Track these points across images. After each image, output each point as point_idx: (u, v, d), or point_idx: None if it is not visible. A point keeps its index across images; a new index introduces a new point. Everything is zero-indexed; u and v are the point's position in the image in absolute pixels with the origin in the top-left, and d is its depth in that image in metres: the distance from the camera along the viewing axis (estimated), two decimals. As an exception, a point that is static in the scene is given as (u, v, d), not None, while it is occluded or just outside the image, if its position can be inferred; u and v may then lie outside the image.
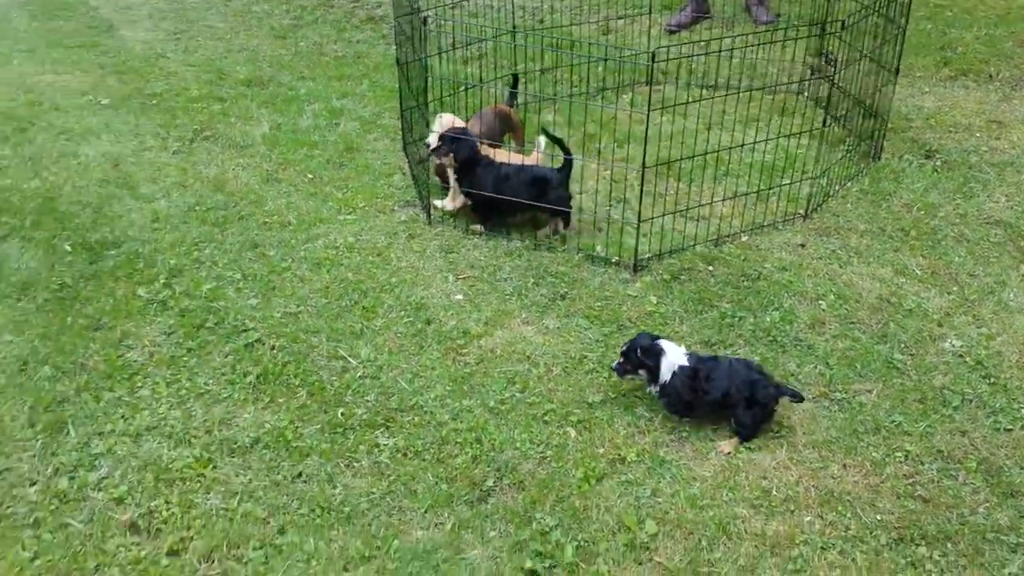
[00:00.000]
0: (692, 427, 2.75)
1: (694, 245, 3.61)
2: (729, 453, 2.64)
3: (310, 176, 4.17)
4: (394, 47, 4.91)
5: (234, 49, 5.87)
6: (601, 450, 2.66)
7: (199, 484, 2.50)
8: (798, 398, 2.76)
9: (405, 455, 2.64)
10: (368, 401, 2.82)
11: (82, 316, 3.13)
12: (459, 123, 3.78)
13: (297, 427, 2.71)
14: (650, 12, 5.45)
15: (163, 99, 4.99)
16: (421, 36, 3.56)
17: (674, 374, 2.71)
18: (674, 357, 2.73)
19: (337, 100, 5.02)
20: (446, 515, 2.45)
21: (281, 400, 2.81)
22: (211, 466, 2.56)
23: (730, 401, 2.68)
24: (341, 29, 6.29)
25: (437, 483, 2.54)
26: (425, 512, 2.46)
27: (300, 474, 2.56)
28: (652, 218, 3.59)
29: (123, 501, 2.44)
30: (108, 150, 4.35)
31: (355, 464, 2.60)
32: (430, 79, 3.81)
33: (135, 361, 2.94)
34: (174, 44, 5.94)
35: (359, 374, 2.93)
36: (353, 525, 2.41)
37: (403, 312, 3.23)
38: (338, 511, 2.44)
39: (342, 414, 2.76)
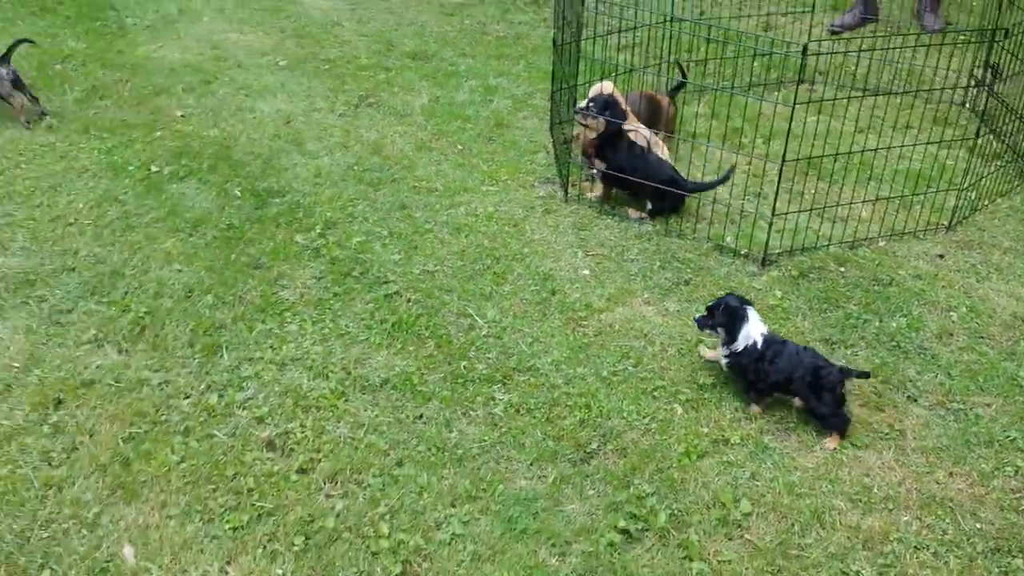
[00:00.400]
0: (799, 420, 2.79)
1: (828, 245, 3.61)
2: (835, 449, 2.68)
3: (460, 147, 4.39)
4: (553, 30, 5.07)
5: (404, 23, 6.17)
6: (705, 429, 2.74)
7: (331, 414, 2.75)
8: (864, 375, 2.76)
9: (518, 411, 2.81)
10: (489, 358, 3.01)
11: (244, 255, 3.45)
12: (618, 96, 3.88)
13: (423, 374, 2.92)
14: (813, 10, 5.38)
15: (335, 65, 5.33)
16: (578, 20, 3.70)
17: (747, 347, 2.75)
18: (754, 329, 2.77)
19: (494, 78, 5.22)
20: (549, 469, 2.61)
21: (411, 348, 3.03)
22: (344, 399, 2.80)
23: (793, 387, 2.71)
24: (505, 10, 6.50)
25: (544, 439, 2.70)
26: (531, 464, 2.62)
27: (421, 416, 2.77)
28: (787, 214, 3.61)
29: (263, 420, 2.71)
30: (281, 108, 4.70)
31: (471, 413, 2.79)
32: (584, 62, 3.94)
33: (287, 299, 3.23)
34: (350, 14, 6.29)
35: (484, 333, 3.12)
36: (464, 467, 2.60)
37: (531, 281, 3.40)
38: (451, 452, 2.64)
39: (464, 367, 2.96)
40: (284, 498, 2.46)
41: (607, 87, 3.91)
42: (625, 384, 2.90)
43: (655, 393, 2.87)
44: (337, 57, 5.44)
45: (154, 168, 3.97)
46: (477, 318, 3.19)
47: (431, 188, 4.00)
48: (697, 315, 2.94)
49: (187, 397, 2.77)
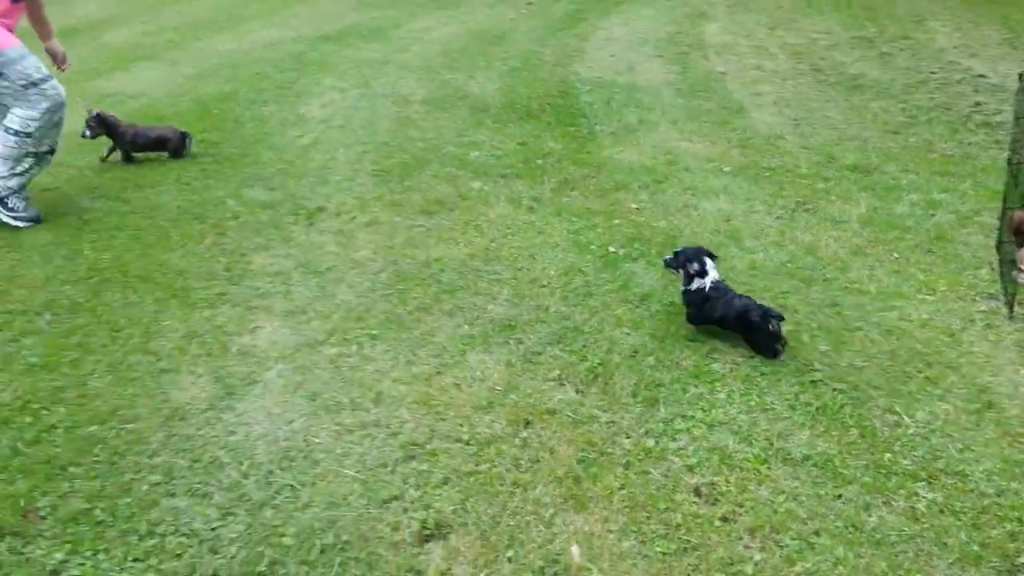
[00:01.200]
0: None
1: None
2: None
3: (896, 256, 4.46)
4: (1007, 152, 4.96)
5: (846, 138, 6.37)
6: None
7: (754, 476, 2.99)
8: (779, 317, 3.54)
9: (942, 511, 2.82)
10: (915, 455, 3.05)
11: (683, 328, 3.84)
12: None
13: (844, 458, 3.05)
14: None
15: (775, 173, 5.68)
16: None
17: (698, 288, 3.71)
18: (708, 277, 3.72)
19: (937, 193, 5.21)
20: (972, 572, 2.59)
21: (834, 433, 3.18)
22: (766, 465, 3.03)
23: (728, 324, 3.67)
24: (955, 131, 6.42)
25: (969, 542, 2.69)
26: (951, 563, 2.62)
27: (840, 495, 2.90)
28: None
29: (692, 469, 3.03)
30: (722, 208, 5.14)
31: (892, 503, 2.86)
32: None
33: (717, 371, 3.56)
34: (793, 128, 6.64)
35: (911, 431, 3.17)
36: (881, 550, 2.68)
37: (964, 390, 3.38)
38: (869, 535, 2.73)
39: (888, 459, 3.04)
40: (707, 539, 2.74)
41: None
42: (1066, 504, 2.78)
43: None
44: (777, 166, 5.79)
45: (611, 248, 4.58)
46: (904, 416, 3.25)
47: (863, 290, 4.13)
48: (667, 256, 3.91)
49: (628, 437, 3.19)
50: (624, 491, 2.94)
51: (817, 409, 3.30)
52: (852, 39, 9.48)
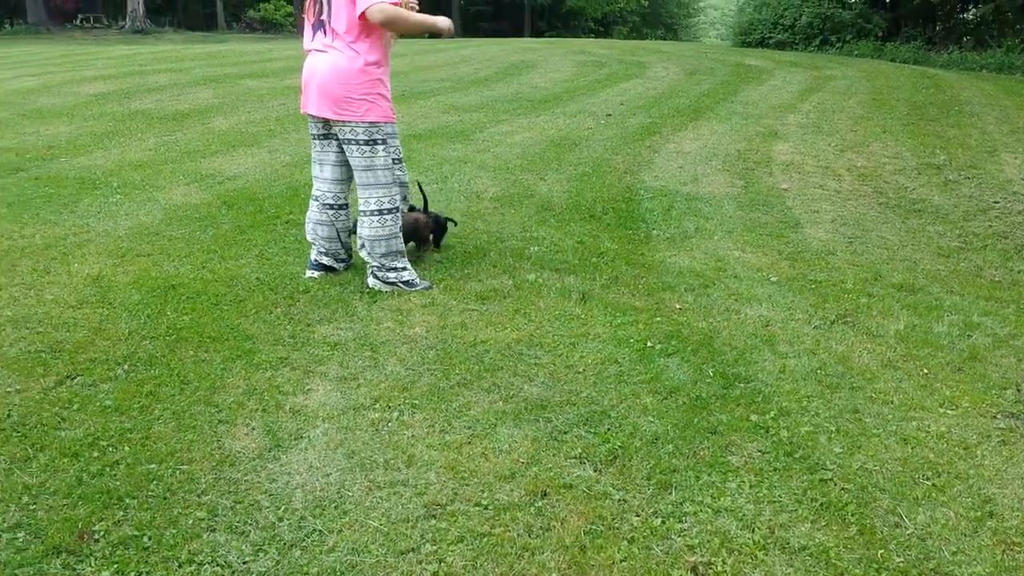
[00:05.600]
0: None
1: None
2: None
3: (926, 371, 4.60)
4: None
5: (896, 259, 6.54)
6: None
7: (750, 560, 3.15)
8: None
9: (929, 609, 2.94)
10: (908, 554, 3.17)
11: (704, 422, 4.05)
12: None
13: (840, 551, 3.19)
14: None
15: (820, 286, 5.89)
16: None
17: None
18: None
19: (978, 316, 5.33)
20: (948, 667, 2.70)
21: (834, 527, 3.33)
22: (763, 551, 3.19)
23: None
24: (1007, 258, 6.54)
25: (949, 639, 2.80)
26: (929, 657, 2.74)
27: (830, 585, 3.05)
28: None
29: (693, 549, 3.21)
30: (763, 314, 5.36)
31: (880, 597, 2.99)
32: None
33: (732, 463, 3.74)
34: (845, 246, 6.85)
35: (908, 532, 3.30)
36: (860, 638, 2.81)
37: (968, 499, 3.49)
38: (852, 623, 2.87)
39: (881, 555, 3.17)
40: (696, 612, 2.91)
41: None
42: (1049, 612, 2.87)
43: (1082, 629, 2.79)
44: (824, 279, 6.00)
45: (649, 344, 4.84)
46: (905, 518, 3.37)
47: (886, 400, 4.28)
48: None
49: (637, 515, 3.39)
50: (625, 563, 3.13)
51: (822, 505, 3.45)
52: (920, 165, 9.67)
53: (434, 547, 3.16)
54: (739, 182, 8.81)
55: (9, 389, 4.13)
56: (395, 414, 4.02)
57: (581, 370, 4.51)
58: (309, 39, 5.22)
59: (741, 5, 29.61)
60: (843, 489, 3.56)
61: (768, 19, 25.66)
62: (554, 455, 3.74)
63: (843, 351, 4.85)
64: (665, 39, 51.80)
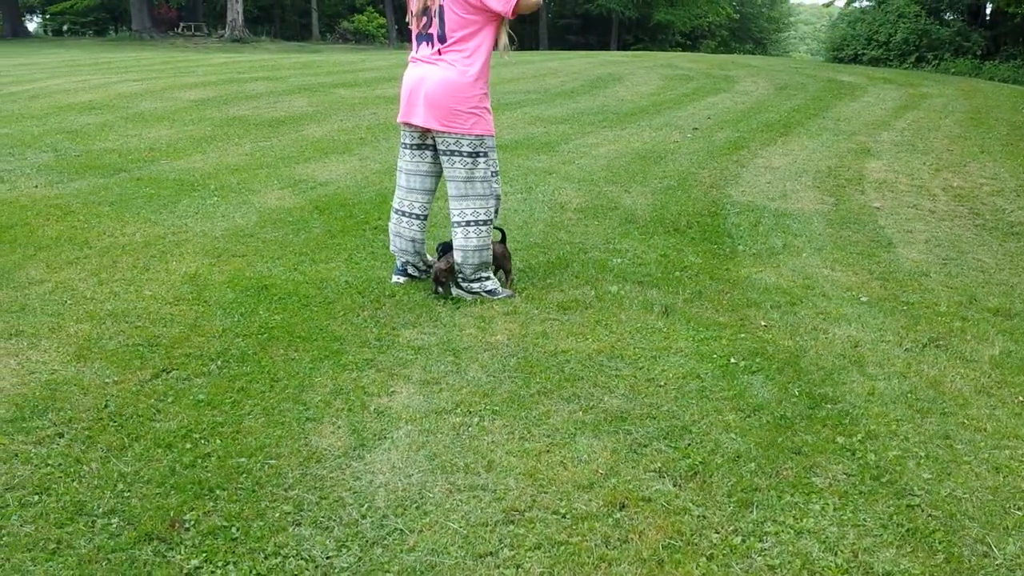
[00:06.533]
0: None
1: None
2: None
3: (1021, 399, 4.44)
4: None
5: (993, 282, 6.33)
6: None
7: (832, 583, 3.10)
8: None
9: (1020, 644, 2.84)
10: (999, 587, 3.08)
11: (789, 441, 3.99)
12: None
13: (927, 580, 3.12)
14: None
15: (912, 308, 5.73)
16: None
17: None
18: None
19: (1081, 344, 5.12)
20: None
21: (920, 554, 3.24)
22: (846, 575, 3.13)
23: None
24: (1114, 284, 6.26)
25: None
26: None
27: (916, 614, 2.97)
28: None
29: (774, 569, 3.16)
30: (852, 334, 5.25)
31: (968, 629, 2.90)
32: None
33: (815, 484, 3.68)
34: (940, 267, 6.66)
35: (997, 562, 3.19)
36: (947, 670, 2.73)
37: (1068, 533, 3.36)
38: (938, 654, 2.79)
39: (970, 586, 3.08)
40: (774, 632, 2.87)
41: None
42: None
43: None
44: (916, 301, 5.84)
45: (732, 360, 4.79)
46: (994, 548, 3.27)
47: (979, 427, 4.14)
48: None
49: (717, 532, 3.36)
50: (701, 579, 3.11)
51: (908, 531, 3.37)
52: (1019, 186, 9.33)
53: (512, 552, 3.19)
54: (829, 199, 8.64)
55: (107, 380, 4.33)
56: (476, 419, 4.07)
57: (662, 384, 4.49)
58: (415, 49, 5.33)
59: (834, 20, 29.06)
60: (931, 516, 3.47)
61: (862, 34, 25.12)
62: (633, 468, 3.74)
63: (935, 375, 4.71)
64: (754, 53, 51.11)
